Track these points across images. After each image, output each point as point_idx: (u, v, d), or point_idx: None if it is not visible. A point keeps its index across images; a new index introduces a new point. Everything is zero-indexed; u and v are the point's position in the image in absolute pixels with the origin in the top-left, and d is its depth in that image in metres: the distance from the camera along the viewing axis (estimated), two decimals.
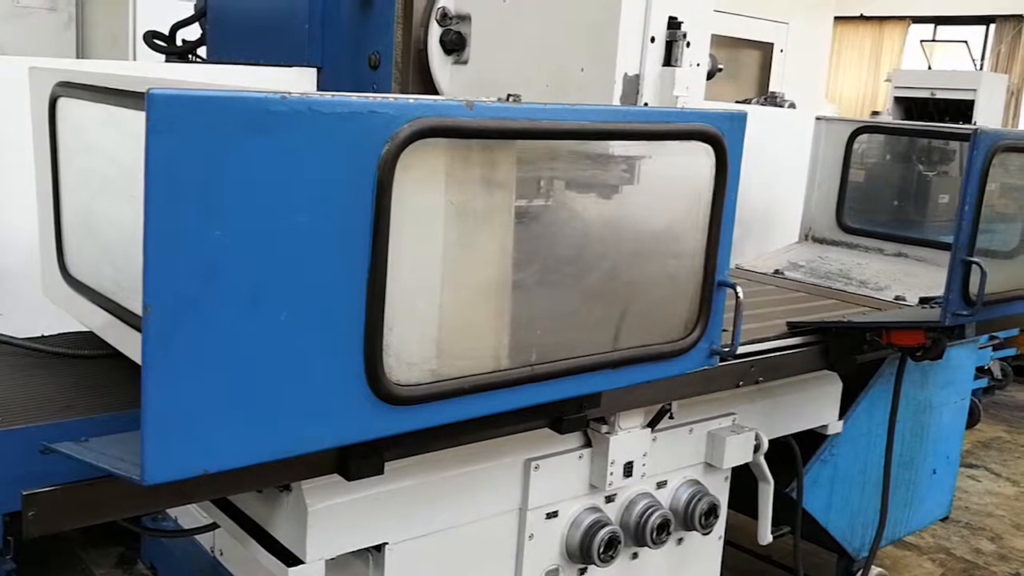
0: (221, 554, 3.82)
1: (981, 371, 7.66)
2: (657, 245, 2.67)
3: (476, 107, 2.05)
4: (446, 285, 2.19)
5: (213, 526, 3.01)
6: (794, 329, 3.62)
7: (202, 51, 4.91)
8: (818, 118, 5.16)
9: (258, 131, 1.77)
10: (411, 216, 2.05)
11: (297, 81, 4.09)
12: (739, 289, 2.66)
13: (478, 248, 2.26)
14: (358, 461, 2.28)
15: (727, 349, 2.73)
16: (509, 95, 2.22)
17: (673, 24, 3.15)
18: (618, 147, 2.58)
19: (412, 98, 1.97)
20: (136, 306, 2.31)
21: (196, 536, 3.95)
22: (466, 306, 2.27)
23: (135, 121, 1.94)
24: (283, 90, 1.81)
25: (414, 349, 2.14)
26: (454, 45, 3.67)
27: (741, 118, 2.58)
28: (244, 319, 1.82)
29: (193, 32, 4.93)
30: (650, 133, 2.50)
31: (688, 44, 3.17)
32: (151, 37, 4.92)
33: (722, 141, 2.52)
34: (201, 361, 1.79)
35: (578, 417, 2.68)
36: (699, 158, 2.54)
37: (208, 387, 1.81)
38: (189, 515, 3.88)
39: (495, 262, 2.28)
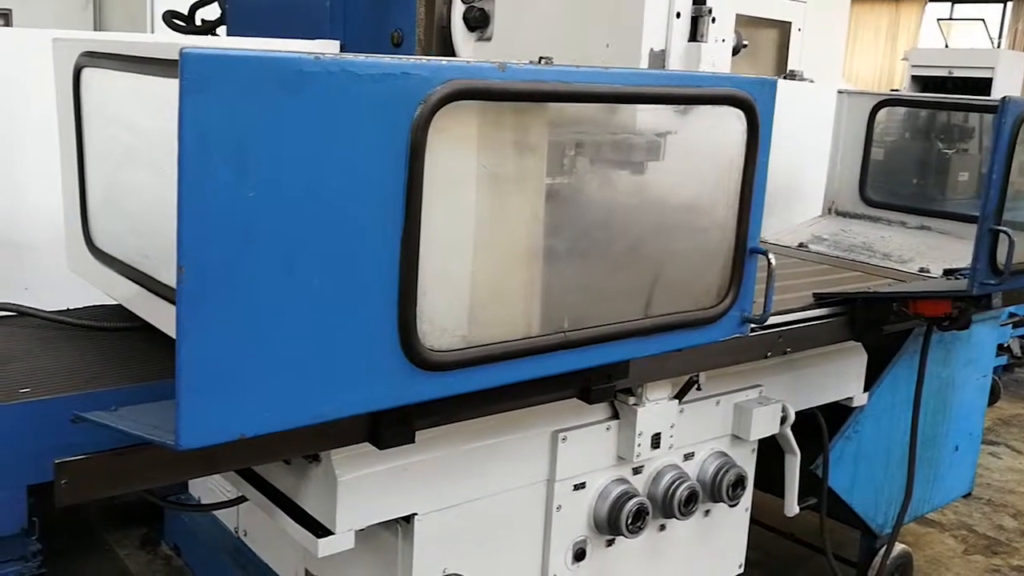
0: (245, 534, 3.83)
1: (1001, 349, 7.61)
2: (689, 211, 2.65)
3: (508, 69, 2.03)
4: (478, 249, 2.18)
5: (238, 500, 3.00)
6: (820, 300, 3.60)
7: (221, 31, 4.89)
8: (840, 92, 5.12)
9: (291, 91, 1.76)
10: (444, 179, 2.03)
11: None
12: (771, 256, 2.64)
13: (510, 213, 2.24)
14: (390, 430, 2.27)
15: (759, 317, 2.71)
16: (541, 58, 2.20)
17: (698, 0, 3.14)
18: (651, 113, 2.56)
19: (445, 60, 1.96)
20: (164, 276, 2.31)
21: (220, 517, 3.96)
22: (498, 271, 2.26)
23: (163, 89, 1.93)
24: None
25: (447, 315, 2.13)
26: (477, 22, 3.65)
27: (772, 83, 2.56)
28: (279, 281, 1.81)
29: (213, 12, 4.92)
30: (682, 97, 2.48)
31: (713, 20, 3.16)
32: (170, 17, 4.90)
33: (754, 106, 2.51)
34: (236, 324, 1.78)
35: (607, 387, 2.67)
36: (731, 123, 2.52)
37: (243, 350, 1.80)
38: (212, 494, 3.89)
39: (527, 227, 2.27)
